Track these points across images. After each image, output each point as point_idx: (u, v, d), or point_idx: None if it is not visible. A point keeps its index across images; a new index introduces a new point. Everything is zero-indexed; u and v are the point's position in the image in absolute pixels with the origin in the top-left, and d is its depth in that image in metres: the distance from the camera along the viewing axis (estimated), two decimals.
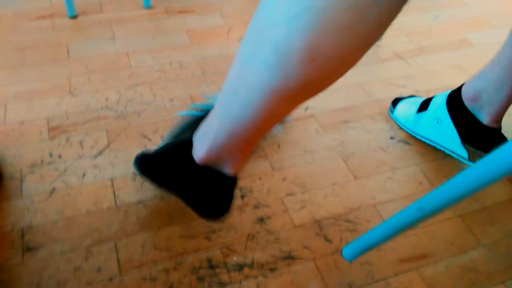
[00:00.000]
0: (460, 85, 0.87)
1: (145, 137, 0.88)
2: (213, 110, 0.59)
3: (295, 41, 0.41)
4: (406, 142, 0.94)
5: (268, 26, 0.43)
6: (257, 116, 0.51)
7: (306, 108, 0.99)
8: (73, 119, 0.90)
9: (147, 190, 0.79)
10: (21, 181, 0.78)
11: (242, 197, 0.80)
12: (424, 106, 0.92)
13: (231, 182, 0.68)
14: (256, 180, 0.84)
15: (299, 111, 0.98)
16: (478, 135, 0.84)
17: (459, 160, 0.90)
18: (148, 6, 1.24)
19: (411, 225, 0.53)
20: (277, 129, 0.76)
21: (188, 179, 0.66)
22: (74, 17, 1.18)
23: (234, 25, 1.22)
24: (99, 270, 0.68)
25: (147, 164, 0.70)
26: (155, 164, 0.69)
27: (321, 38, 0.40)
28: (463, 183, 0.44)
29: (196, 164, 0.64)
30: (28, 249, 0.69)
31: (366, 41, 0.42)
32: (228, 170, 0.65)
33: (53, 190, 0.78)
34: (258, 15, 0.45)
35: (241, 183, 0.83)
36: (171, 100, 0.97)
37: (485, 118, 0.83)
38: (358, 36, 0.41)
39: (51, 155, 0.83)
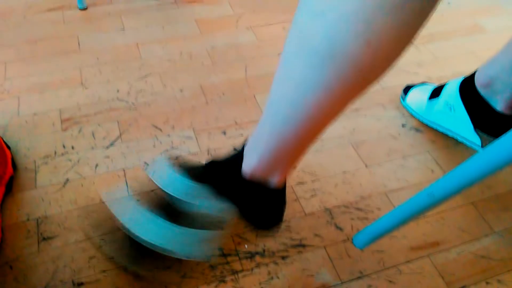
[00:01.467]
0: (473, 71, 0.85)
1: (156, 127, 0.89)
2: (261, 120, 0.56)
3: (347, 25, 0.38)
4: (417, 130, 0.93)
5: (314, 16, 0.41)
6: (307, 116, 0.48)
7: None
8: (85, 111, 0.91)
9: None
10: (35, 172, 0.80)
11: None
12: (436, 93, 0.91)
13: (279, 193, 0.67)
14: None
15: None
16: (491, 122, 0.83)
17: (472, 147, 0.89)
18: None
19: (421, 211, 0.53)
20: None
21: (239, 192, 0.65)
22: (84, 9, 1.18)
23: (243, 14, 1.21)
24: (112, 258, 0.69)
25: (211, 175, 0.67)
26: (216, 177, 0.67)
27: (376, 18, 0.38)
28: (473, 169, 0.44)
29: (244, 179, 0.63)
30: (44, 238, 0.71)
31: (420, 18, 0.40)
32: (274, 182, 0.63)
33: (67, 180, 0.79)
34: (301, 9, 0.43)
35: None
36: (181, 90, 0.98)
37: (498, 104, 0.81)
38: (411, 12, 0.38)
39: (64, 146, 0.84)
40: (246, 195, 0.65)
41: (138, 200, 0.68)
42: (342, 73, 0.42)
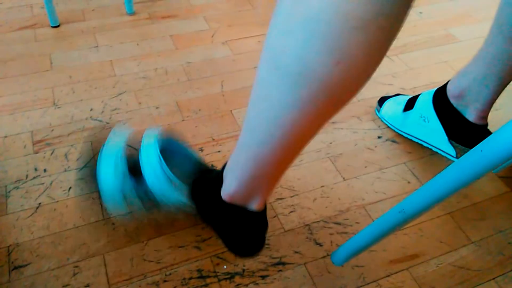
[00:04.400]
0: (445, 82, 0.87)
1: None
2: (238, 142, 0.56)
3: (315, 45, 0.38)
4: (393, 141, 0.94)
5: (284, 35, 0.40)
6: (284, 136, 0.47)
7: None
8: (57, 131, 0.89)
9: None
10: (6, 197, 0.77)
11: None
12: (410, 104, 0.92)
13: (260, 217, 0.65)
14: None
15: None
16: (464, 133, 0.84)
17: (447, 158, 0.90)
18: (131, 12, 1.23)
19: (395, 228, 0.53)
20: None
21: (219, 216, 0.65)
22: (56, 26, 1.17)
23: (218, 29, 1.21)
24: (87, 286, 0.67)
25: (194, 197, 0.68)
26: (198, 201, 0.68)
27: (343, 38, 0.37)
28: (440, 185, 0.44)
29: (224, 202, 0.62)
30: (15, 267, 0.69)
31: (387, 35, 0.39)
32: (255, 205, 0.62)
33: (39, 205, 0.77)
34: (272, 29, 0.42)
35: None
36: (157, 107, 0.96)
37: (471, 115, 0.83)
38: (379, 30, 0.38)
39: (36, 169, 0.82)
40: (226, 219, 0.64)
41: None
42: (314, 93, 0.42)
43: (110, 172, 0.68)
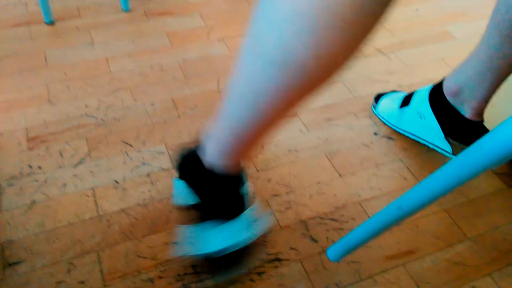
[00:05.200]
0: (441, 79, 0.87)
1: (127, 143, 0.87)
2: (219, 113, 0.59)
3: (300, 38, 0.41)
4: (389, 138, 0.94)
5: (271, 25, 0.43)
6: (263, 116, 0.52)
7: None
8: (52, 128, 0.89)
9: (130, 198, 0.78)
10: (0, 195, 0.77)
11: None
12: (406, 101, 0.92)
13: (238, 181, 0.68)
14: None
15: None
16: (460, 129, 0.84)
17: (443, 154, 0.90)
18: (126, 9, 1.23)
19: (392, 224, 0.53)
20: None
21: (201, 182, 0.67)
22: (51, 23, 1.16)
23: (214, 26, 1.20)
24: (82, 282, 0.67)
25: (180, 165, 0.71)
26: (183, 167, 0.70)
27: (323, 34, 0.40)
28: (438, 182, 0.44)
29: (205, 168, 0.64)
30: (9, 264, 0.68)
31: (367, 32, 0.42)
32: (232, 170, 0.65)
33: (33, 202, 0.76)
34: (258, 15, 0.45)
35: None
36: (152, 104, 0.96)
37: (467, 112, 0.82)
38: (359, 28, 0.41)
39: (30, 166, 0.82)
40: (207, 184, 0.67)
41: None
42: (292, 81, 0.45)
43: None
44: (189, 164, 0.68)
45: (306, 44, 0.41)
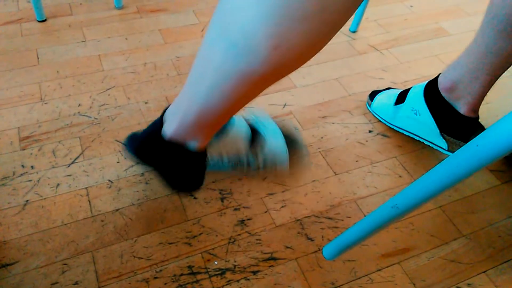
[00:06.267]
0: (436, 75, 0.86)
1: (120, 142, 0.86)
2: (183, 89, 0.60)
3: (259, 26, 0.41)
4: (384, 135, 0.94)
5: (236, 9, 0.43)
6: (225, 98, 0.52)
7: (284, 105, 0.97)
8: (45, 127, 0.88)
9: (124, 197, 0.77)
10: None
11: (222, 199, 0.79)
12: (401, 98, 0.91)
13: (200, 157, 0.69)
14: (236, 181, 0.82)
15: (277, 109, 0.97)
16: (456, 125, 0.84)
17: (438, 151, 0.90)
18: (119, 6, 1.21)
19: (387, 223, 0.53)
20: (281, 162, 0.82)
21: (160, 155, 0.68)
22: (43, 21, 1.15)
23: (208, 22, 1.19)
24: (76, 283, 0.66)
25: (132, 143, 0.72)
26: (137, 143, 0.71)
27: (284, 26, 0.40)
28: (435, 180, 0.44)
29: (165, 141, 0.65)
30: (2, 265, 0.67)
31: (330, 29, 0.42)
32: (196, 146, 0.65)
33: (27, 202, 0.75)
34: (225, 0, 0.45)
35: (220, 185, 0.81)
36: (146, 102, 0.95)
37: (462, 107, 0.83)
38: (322, 24, 0.41)
39: (23, 166, 0.81)
40: (166, 157, 0.67)
41: None
42: (255, 68, 0.45)
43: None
44: (149, 142, 0.68)
45: (266, 32, 0.41)
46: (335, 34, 0.44)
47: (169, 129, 0.63)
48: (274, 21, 0.40)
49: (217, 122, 0.60)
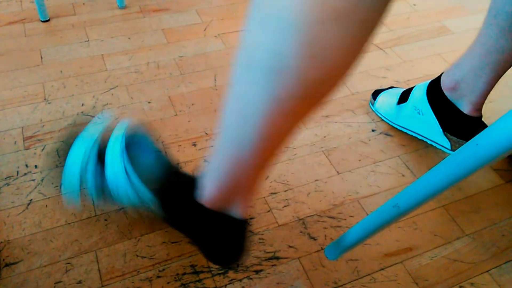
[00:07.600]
0: (439, 74, 0.86)
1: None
2: (215, 145, 0.53)
3: (289, 36, 0.36)
4: (387, 134, 0.94)
5: (257, 29, 0.39)
6: (261, 136, 0.45)
7: None
8: (48, 127, 0.88)
9: None
10: None
11: None
12: (404, 97, 0.91)
13: (242, 225, 0.61)
14: None
15: None
16: (459, 125, 0.84)
17: (441, 150, 0.90)
18: (122, 6, 1.22)
19: (390, 222, 0.53)
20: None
21: (195, 223, 0.61)
22: (46, 21, 1.15)
23: (211, 22, 1.20)
24: (80, 282, 0.66)
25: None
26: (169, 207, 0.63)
27: (317, 28, 0.35)
28: (436, 180, 0.44)
29: (203, 207, 0.58)
30: (6, 264, 0.68)
31: (367, 29, 0.37)
32: (237, 212, 0.58)
33: (30, 201, 0.76)
34: (247, 22, 0.40)
35: None
36: (148, 102, 0.95)
37: (465, 107, 0.82)
38: (357, 24, 0.36)
39: (27, 165, 0.81)
40: (204, 226, 0.60)
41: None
42: (289, 90, 0.39)
43: (79, 153, 0.65)
44: (181, 203, 0.61)
45: (296, 44, 0.36)
46: (372, 37, 0.39)
47: (207, 193, 0.56)
48: (304, 27, 0.35)
49: (256, 172, 0.52)
